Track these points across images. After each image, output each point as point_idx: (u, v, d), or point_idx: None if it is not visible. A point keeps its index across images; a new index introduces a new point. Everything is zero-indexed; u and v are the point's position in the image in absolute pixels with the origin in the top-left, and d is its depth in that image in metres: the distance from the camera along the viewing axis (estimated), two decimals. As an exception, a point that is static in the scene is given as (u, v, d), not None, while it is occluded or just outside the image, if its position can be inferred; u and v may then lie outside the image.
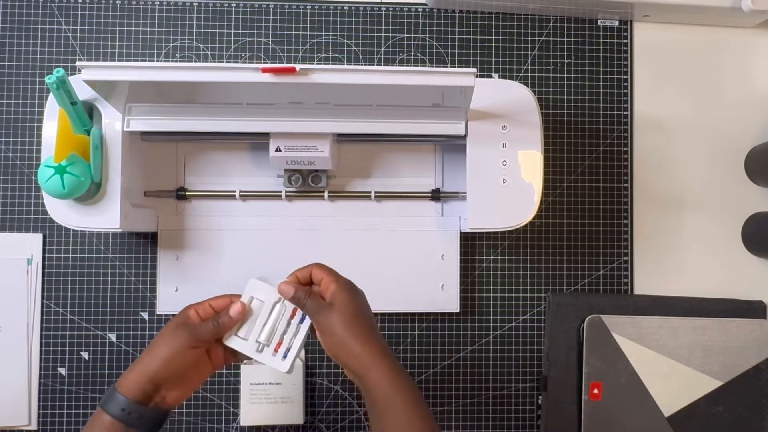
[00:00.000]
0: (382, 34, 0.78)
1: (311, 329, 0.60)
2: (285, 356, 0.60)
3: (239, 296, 0.61)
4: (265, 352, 0.60)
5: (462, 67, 0.78)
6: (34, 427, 0.74)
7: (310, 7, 0.78)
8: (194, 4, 0.77)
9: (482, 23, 0.79)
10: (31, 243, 0.75)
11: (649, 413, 0.75)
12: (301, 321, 0.60)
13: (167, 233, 0.74)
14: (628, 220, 0.79)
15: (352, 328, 0.57)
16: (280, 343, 0.60)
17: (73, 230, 0.74)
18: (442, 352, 0.78)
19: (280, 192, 0.74)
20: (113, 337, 0.75)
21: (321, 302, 0.59)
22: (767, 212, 0.79)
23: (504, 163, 0.68)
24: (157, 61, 0.77)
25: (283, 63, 0.77)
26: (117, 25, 0.77)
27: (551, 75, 0.79)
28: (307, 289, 0.60)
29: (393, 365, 0.56)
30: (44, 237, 0.75)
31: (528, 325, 0.78)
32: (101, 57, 0.76)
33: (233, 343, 0.60)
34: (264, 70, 0.58)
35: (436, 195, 0.75)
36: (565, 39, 0.80)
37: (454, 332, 0.78)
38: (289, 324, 0.60)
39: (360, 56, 0.78)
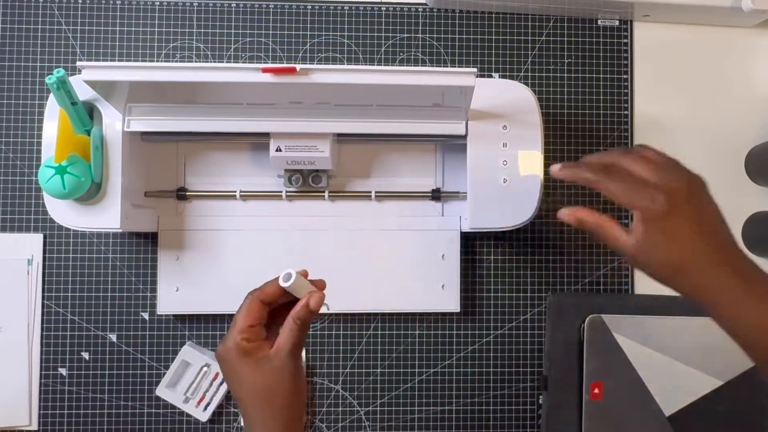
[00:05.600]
0: (382, 34, 0.78)
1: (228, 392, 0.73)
2: (205, 408, 0.74)
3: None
4: (189, 403, 0.74)
5: (462, 67, 0.78)
6: (34, 427, 0.74)
7: (310, 7, 0.78)
8: (194, 4, 0.77)
9: (482, 23, 0.79)
10: (32, 243, 0.75)
11: (650, 413, 0.75)
12: (221, 383, 0.73)
13: (167, 233, 0.74)
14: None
15: (679, 276, 0.50)
16: (202, 398, 0.73)
17: (74, 230, 0.74)
18: (442, 352, 0.77)
19: (281, 192, 0.74)
20: (114, 338, 0.75)
21: (623, 239, 0.50)
22: (767, 212, 0.79)
23: (504, 162, 0.68)
24: (157, 61, 0.77)
25: (283, 63, 0.77)
26: (117, 25, 0.77)
27: (551, 75, 0.79)
28: (603, 220, 0.52)
29: (746, 294, 0.47)
30: (44, 237, 0.75)
31: (528, 325, 0.78)
32: (101, 57, 0.76)
33: (163, 393, 0.74)
34: (264, 70, 0.58)
35: (436, 195, 0.75)
36: (565, 39, 0.80)
37: (454, 332, 0.78)
38: (211, 384, 0.74)
39: (360, 56, 0.78)
